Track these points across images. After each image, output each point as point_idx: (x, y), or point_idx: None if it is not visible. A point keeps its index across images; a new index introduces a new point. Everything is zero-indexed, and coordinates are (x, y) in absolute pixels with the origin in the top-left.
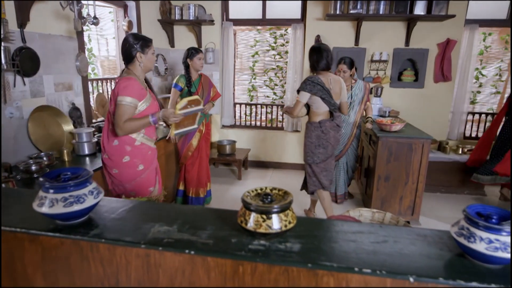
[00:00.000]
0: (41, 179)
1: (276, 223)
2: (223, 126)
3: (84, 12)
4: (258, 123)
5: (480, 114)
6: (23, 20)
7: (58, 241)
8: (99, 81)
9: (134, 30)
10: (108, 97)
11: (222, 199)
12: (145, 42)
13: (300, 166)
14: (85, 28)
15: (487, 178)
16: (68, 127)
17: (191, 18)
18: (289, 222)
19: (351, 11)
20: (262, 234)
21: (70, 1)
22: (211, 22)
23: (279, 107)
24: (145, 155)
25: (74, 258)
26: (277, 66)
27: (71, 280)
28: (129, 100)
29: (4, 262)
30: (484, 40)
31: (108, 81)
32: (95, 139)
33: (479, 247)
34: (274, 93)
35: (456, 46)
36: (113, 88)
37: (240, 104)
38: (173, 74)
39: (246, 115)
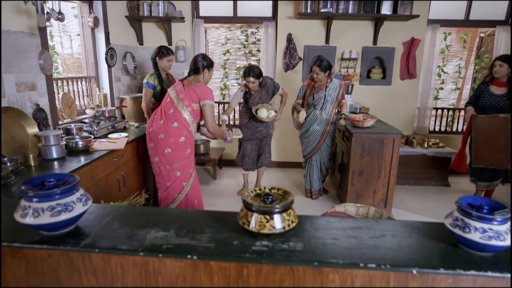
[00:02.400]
0: (23, 187)
1: (278, 223)
2: None
3: (47, 7)
4: (231, 122)
5: (443, 109)
6: None
7: (45, 253)
8: (65, 81)
9: (101, 26)
10: (74, 96)
11: None
12: (211, 63)
13: (275, 163)
14: (48, 24)
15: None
16: (33, 129)
17: (160, 15)
18: (292, 222)
19: (322, 10)
20: (265, 234)
21: None
22: (182, 19)
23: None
24: (192, 141)
25: (63, 270)
26: (249, 64)
27: None
28: (212, 103)
29: None
30: (445, 39)
31: (74, 80)
32: (64, 142)
33: (474, 236)
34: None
35: (420, 45)
36: (184, 84)
37: None
38: (142, 73)
39: (218, 113)
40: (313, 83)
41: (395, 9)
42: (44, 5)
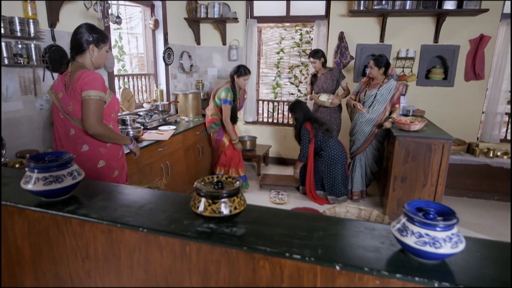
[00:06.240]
0: (27, 160)
1: (223, 207)
2: (246, 122)
3: (116, 11)
4: (280, 120)
5: None
6: (53, 20)
7: (40, 215)
8: (125, 77)
9: (160, 28)
10: (134, 91)
11: None
12: (102, 37)
13: None
14: (116, 26)
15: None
16: None
17: (215, 16)
18: (235, 208)
19: (376, 7)
20: (210, 217)
21: (94, 2)
22: (235, 19)
23: None
24: (118, 157)
25: (52, 231)
26: (302, 63)
27: (51, 251)
28: (98, 94)
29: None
30: None
31: (136, 77)
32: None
33: (409, 240)
34: (299, 90)
35: (491, 42)
36: (66, 84)
37: (263, 100)
38: (198, 71)
39: (269, 112)
40: (369, 81)
41: (459, 3)
42: (108, 10)
